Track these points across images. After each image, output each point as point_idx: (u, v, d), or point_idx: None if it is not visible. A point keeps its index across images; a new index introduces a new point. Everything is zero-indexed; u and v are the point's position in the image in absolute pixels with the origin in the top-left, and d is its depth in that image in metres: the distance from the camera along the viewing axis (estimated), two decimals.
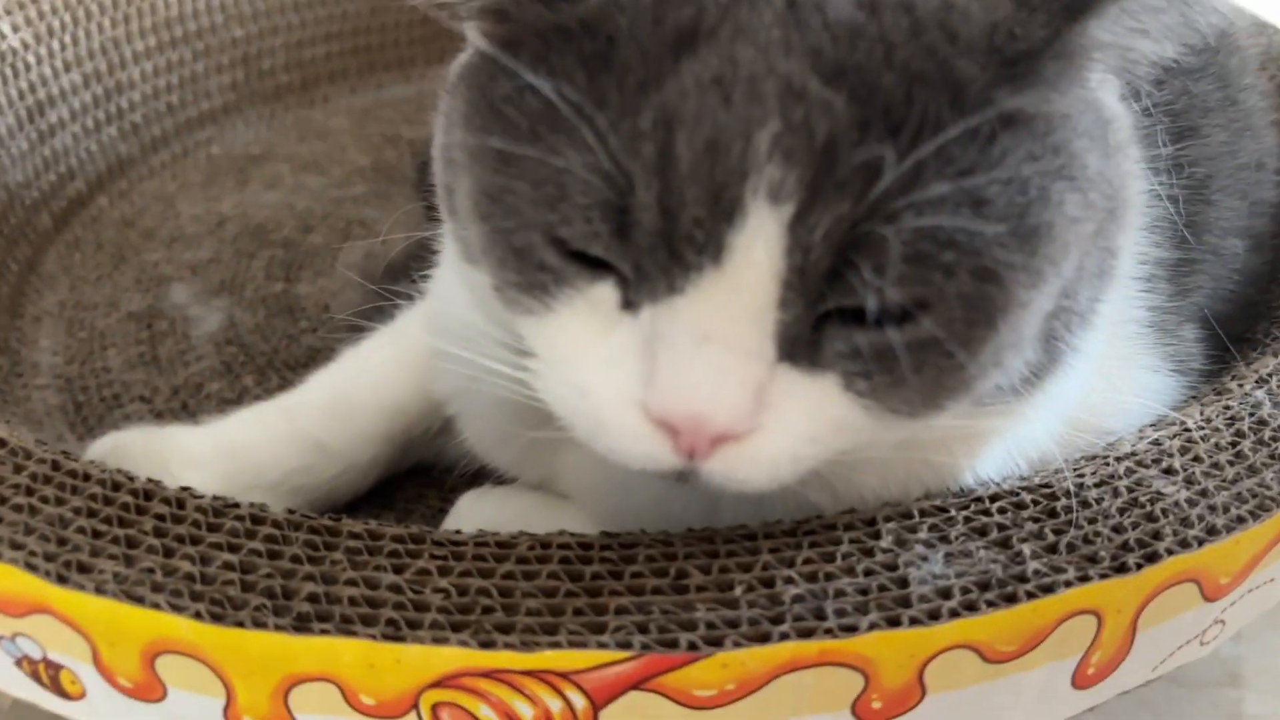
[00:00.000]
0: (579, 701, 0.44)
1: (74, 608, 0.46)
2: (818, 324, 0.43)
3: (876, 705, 0.46)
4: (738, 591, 0.46)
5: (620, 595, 0.46)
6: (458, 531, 0.50)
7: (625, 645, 0.44)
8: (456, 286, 0.60)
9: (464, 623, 0.45)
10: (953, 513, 0.50)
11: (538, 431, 0.57)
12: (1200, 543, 0.49)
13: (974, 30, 0.42)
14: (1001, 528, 0.49)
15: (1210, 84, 0.66)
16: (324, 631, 0.44)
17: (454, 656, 0.44)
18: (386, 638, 0.44)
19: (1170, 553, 0.48)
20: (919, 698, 0.47)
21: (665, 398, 0.43)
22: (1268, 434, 0.54)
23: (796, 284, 0.42)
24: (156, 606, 0.45)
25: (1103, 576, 0.47)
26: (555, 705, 0.44)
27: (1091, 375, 0.54)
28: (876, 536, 0.48)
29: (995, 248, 0.42)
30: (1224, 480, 0.52)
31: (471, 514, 0.68)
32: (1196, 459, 0.53)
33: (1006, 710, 0.49)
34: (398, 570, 0.47)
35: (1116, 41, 0.45)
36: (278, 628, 0.44)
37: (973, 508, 0.50)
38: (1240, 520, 0.50)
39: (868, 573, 0.47)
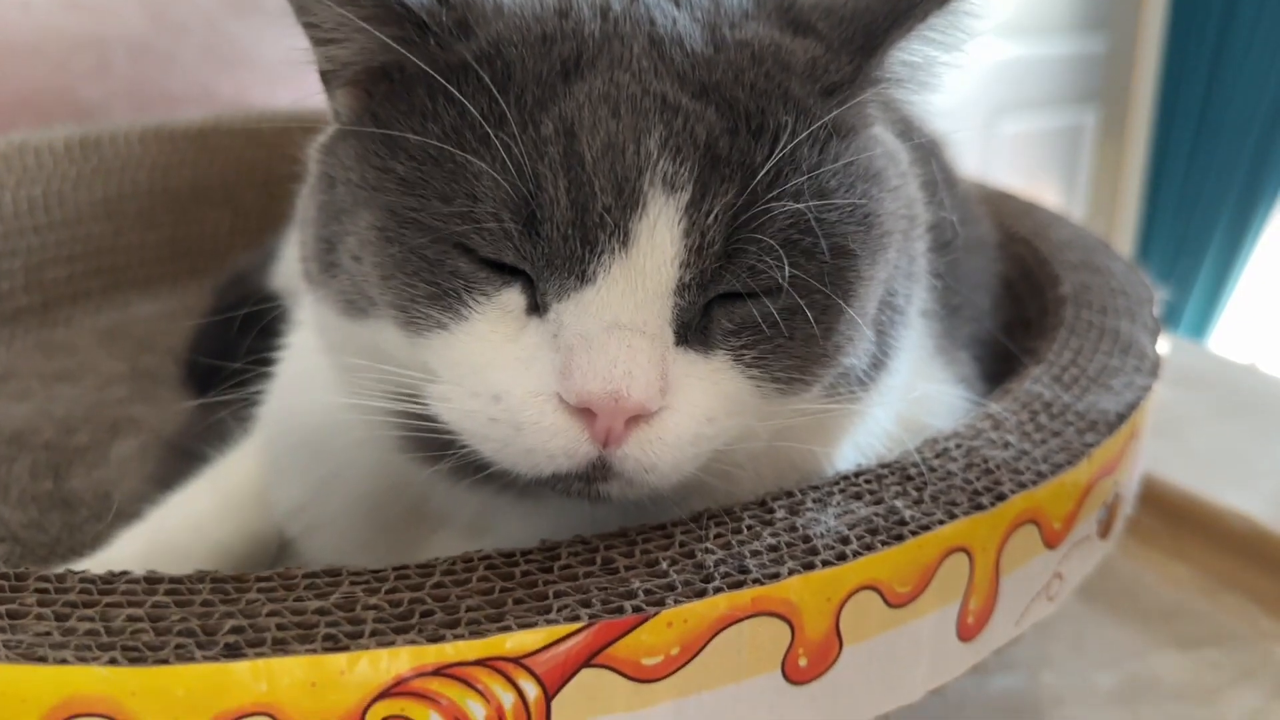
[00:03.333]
0: (531, 690, 0.44)
1: None
2: (706, 310, 0.49)
3: (803, 663, 0.49)
4: (664, 565, 0.48)
5: (555, 583, 0.46)
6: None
7: (574, 618, 0.44)
8: (312, 372, 0.60)
9: (406, 626, 0.44)
10: (828, 487, 0.54)
11: (399, 525, 0.58)
12: (1034, 483, 0.56)
13: (799, 63, 0.52)
14: (872, 492, 0.54)
15: (938, 169, 0.79)
16: (259, 655, 0.42)
17: (403, 656, 0.42)
18: (328, 650, 0.42)
19: (1013, 491, 0.55)
20: (837, 650, 0.49)
21: (584, 381, 0.46)
22: (1056, 410, 0.63)
23: (693, 266, 0.47)
24: (62, 662, 0.41)
25: (965, 514, 0.53)
26: (508, 700, 0.44)
27: (911, 377, 0.62)
28: (770, 511, 0.52)
29: (842, 226, 0.50)
30: (1036, 442, 0.59)
31: None
32: (1009, 431, 0.60)
33: (910, 663, 0.53)
34: (321, 597, 0.45)
35: (895, 76, 0.56)
36: (206, 659, 0.41)
37: (843, 483, 0.55)
38: (1060, 466, 0.57)
39: (774, 535, 0.50)
